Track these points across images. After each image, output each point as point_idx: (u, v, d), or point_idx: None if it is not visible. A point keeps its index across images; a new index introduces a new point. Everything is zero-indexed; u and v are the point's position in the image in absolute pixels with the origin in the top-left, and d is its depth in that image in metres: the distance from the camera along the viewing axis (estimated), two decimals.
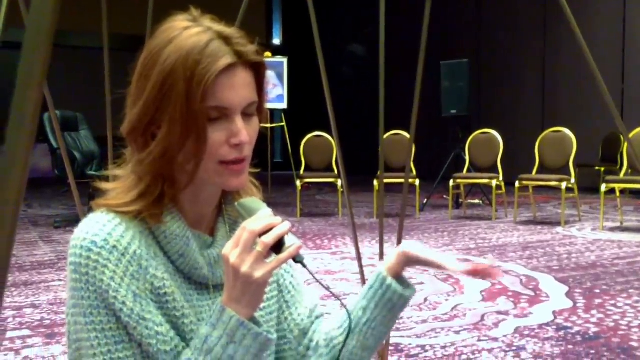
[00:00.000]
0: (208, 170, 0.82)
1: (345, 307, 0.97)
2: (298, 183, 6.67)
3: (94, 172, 6.03)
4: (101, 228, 0.80)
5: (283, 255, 0.78)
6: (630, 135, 5.89)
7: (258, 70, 0.84)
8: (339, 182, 6.47)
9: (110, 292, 0.78)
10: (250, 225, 0.78)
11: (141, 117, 0.82)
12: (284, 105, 7.15)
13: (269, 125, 7.30)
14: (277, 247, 0.78)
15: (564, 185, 5.85)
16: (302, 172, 6.91)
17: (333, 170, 6.79)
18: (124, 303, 0.78)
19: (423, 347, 2.57)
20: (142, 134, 0.82)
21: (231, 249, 0.77)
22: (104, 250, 0.79)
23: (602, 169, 8.22)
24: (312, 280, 0.85)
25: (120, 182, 0.86)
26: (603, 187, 5.61)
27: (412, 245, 0.96)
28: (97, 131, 5.91)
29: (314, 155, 6.98)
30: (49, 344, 2.66)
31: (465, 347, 2.56)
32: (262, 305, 0.93)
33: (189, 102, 0.78)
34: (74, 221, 5.50)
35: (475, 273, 0.89)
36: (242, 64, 0.81)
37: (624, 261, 4.24)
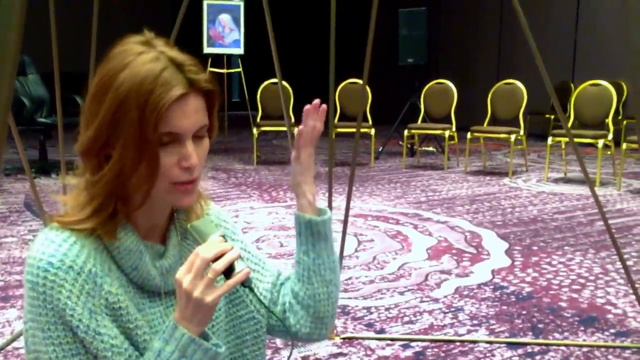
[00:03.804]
0: (160, 189, 0.87)
1: (280, 319, 1.06)
2: (255, 131, 6.67)
3: (43, 120, 5.88)
4: (57, 248, 0.84)
5: (232, 280, 0.85)
6: (581, 87, 6.07)
7: (209, 96, 0.88)
8: (295, 130, 6.49)
9: (67, 310, 0.83)
10: (203, 252, 0.84)
11: (95, 140, 0.85)
12: (240, 50, 7.01)
13: (225, 71, 7.18)
14: (228, 271, 0.85)
15: (512, 137, 6.04)
16: (258, 119, 6.90)
17: (290, 117, 6.78)
18: (80, 320, 0.84)
19: (368, 309, 2.72)
20: (95, 155, 0.86)
21: (184, 274, 0.84)
22: (60, 271, 0.83)
23: (552, 117, 8.47)
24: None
25: (74, 196, 0.90)
26: (549, 140, 5.82)
27: (293, 178, 1.09)
28: (42, 68, 5.70)
29: (270, 102, 6.95)
30: (3, 307, 2.69)
31: (407, 308, 2.73)
32: None
33: (142, 129, 0.82)
34: (23, 170, 5.39)
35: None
36: (194, 92, 0.85)
37: (562, 216, 4.48)
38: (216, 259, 0.84)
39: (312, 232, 1.06)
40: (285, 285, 1.10)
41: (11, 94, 0.63)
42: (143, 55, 0.84)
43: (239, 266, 0.86)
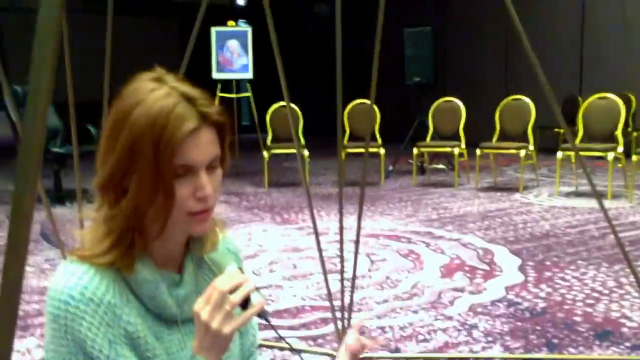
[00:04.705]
0: (176, 220, 0.91)
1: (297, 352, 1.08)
2: (265, 154, 6.73)
3: (57, 149, 5.98)
4: (77, 282, 0.88)
5: (249, 312, 0.88)
6: (589, 100, 6.09)
7: (221, 127, 0.92)
8: (306, 152, 6.55)
9: (88, 341, 0.86)
10: (220, 285, 0.86)
11: (112, 175, 0.89)
12: (249, 75, 7.12)
13: (235, 96, 7.28)
14: (244, 302, 0.88)
15: (522, 152, 6.05)
16: (269, 142, 6.96)
17: (300, 140, 6.84)
18: (100, 351, 0.87)
19: (383, 328, 2.73)
20: (113, 189, 0.90)
21: (202, 306, 0.86)
22: (81, 304, 0.86)
23: (562, 131, 8.47)
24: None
25: (92, 230, 0.93)
26: (559, 155, 5.82)
27: (350, 340, 1.07)
28: (54, 98, 5.78)
29: (280, 125, 7.01)
30: (22, 337, 2.74)
31: (422, 327, 2.74)
32: None
33: (157, 163, 0.85)
34: (39, 199, 5.48)
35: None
36: (206, 125, 0.88)
37: (575, 230, 4.47)
38: (233, 290, 0.86)
39: None
40: (254, 356, 1.12)
41: (45, 127, 0.69)
42: (155, 92, 0.87)
43: (254, 298, 0.89)
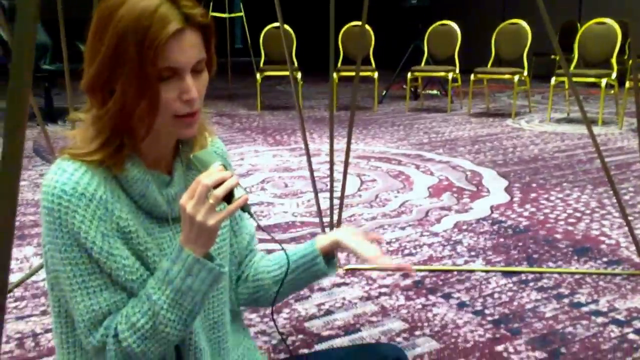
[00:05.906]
0: (163, 123, 0.92)
1: (286, 252, 1.14)
2: (258, 76, 6.66)
3: (48, 67, 5.90)
4: (69, 177, 0.90)
5: (232, 205, 0.91)
6: (586, 25, 6.02)
7: (205, 30, 0.92)
8: (299, 75, 6.49)
9: (82, 233, 0.90)
10: (204, 180, 0.89)
11: (98, 76, 0.90)
12: None
13: (227, 15, 7.12)
14: (228, 197, 0.91)
15: (516, 78, 6.02)
16: (262, 64, 6.88)
17: (294, 62, 6.76)
18: (93, 242, 0.90)
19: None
20: (100, 90, 0.91)
21: (187, 200, 0.89)
22: (73, 198, 0.89)
23: (557, 57, 8.39)
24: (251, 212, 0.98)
25: (82, 131, 0.95)
26: (552, 80, 5.81)
27: (345, 234, 1.11)
28: (44, 14, 5.67)
29: (274, 47, 6.92)
30: (20, 245, 2.82)
31: (408, 242, 2.83)
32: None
33: (141, 64, 0.86)
34: (31, 117, 5.46)
35: (394, 270, 1.12)
36: (190, 26, 0.88)
37: (563, 154, 4.53)
38: (217, 186, 0.89)
39: (311, 267, 1.12)
40: (253, 254, 1.18)
41: (34, 42, 0.70)
42: None
43: (238, 192, 0.91)
